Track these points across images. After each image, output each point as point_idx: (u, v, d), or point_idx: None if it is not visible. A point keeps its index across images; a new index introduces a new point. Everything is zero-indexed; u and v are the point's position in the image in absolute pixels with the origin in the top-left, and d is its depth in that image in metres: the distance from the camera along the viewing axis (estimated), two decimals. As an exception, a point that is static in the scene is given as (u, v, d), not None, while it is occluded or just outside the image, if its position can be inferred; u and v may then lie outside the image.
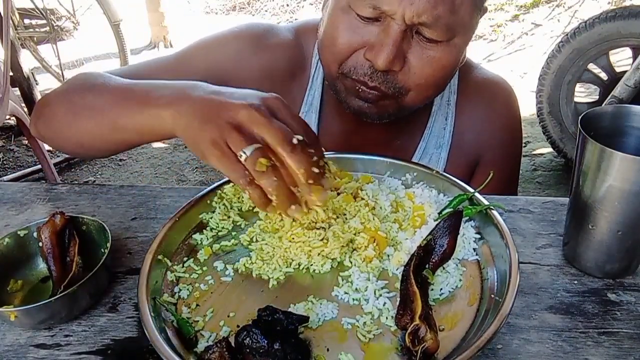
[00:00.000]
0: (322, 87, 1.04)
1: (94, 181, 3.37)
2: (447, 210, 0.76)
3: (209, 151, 0.63)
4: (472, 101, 1.05)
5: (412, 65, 0.83)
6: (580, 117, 0.67)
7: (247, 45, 1.02)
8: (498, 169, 0.86)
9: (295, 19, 6.40)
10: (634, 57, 2.84)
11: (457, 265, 0.69)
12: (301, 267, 0.70)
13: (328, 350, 0.58)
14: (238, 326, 0.60)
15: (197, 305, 0.65)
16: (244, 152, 0.61)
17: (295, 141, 0.62)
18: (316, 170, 0.63)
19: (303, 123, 0.67)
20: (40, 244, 0.71)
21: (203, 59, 1.02)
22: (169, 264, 0.70)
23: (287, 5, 6.92)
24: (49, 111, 0.88)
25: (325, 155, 0.67)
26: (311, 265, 0.70)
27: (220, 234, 0.77)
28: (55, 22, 4.13)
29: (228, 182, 0.83)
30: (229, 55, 1.02)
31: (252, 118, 0.63)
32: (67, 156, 3.41)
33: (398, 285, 0.65)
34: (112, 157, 3.53)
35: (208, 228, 0.77)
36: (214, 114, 0.65)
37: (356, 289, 0.66)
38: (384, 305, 0.64)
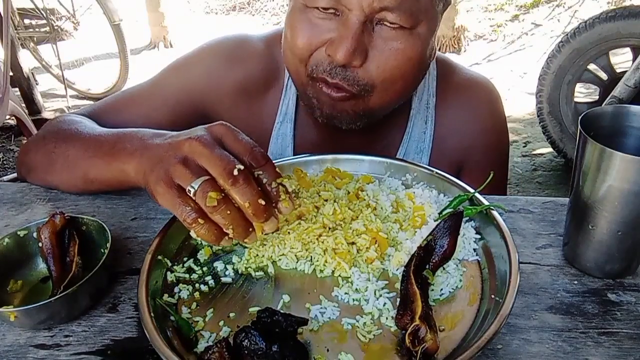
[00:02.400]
0: (297, 96, 1.02)
1: (94, 181, 3.36)
2: (448, 210, 0.76)
3: (155, 189, 0.63)
4: (452, 104, 1.03)
5: (375, 58, 0.80)
6: (580, 117, 0.67)
7: (219, 61, 1.01)
8: (483, 172, 0.85)
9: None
10: (634, 57, 2.85)
11: (457, 265, 0.69)
12: (298, 262, 0.71)
13: (328, 350, 0.58)
14: (238, 326, 0.59)
15: (197, 305, 0.65)
16: (192, 187, 0.60)
17: (236, 172, 0.60)
18: (262, 202, 0.62)
19: (251, 143, 0.65)
20: (40, 244, 0.70)
21: (176, 81, 1.02)
22: (169, 264, 0.70)
23: (287, 5, 6.92)
24: (29, 159, 0.93)
25: (282, 174, 0.66)
26: (313, 263, 0.70)
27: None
28: (55, 22, 4.14)
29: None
30: (200, 75, 1.01)
31: (193, 149, 0.63)
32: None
33: (398, 285, 0.65)
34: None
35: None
36: (162, 155, 0.65)
37: (356, 289, 0.66)
38: (384, 305, 0.64)
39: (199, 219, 0.61)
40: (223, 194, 0.60)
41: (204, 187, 0.60)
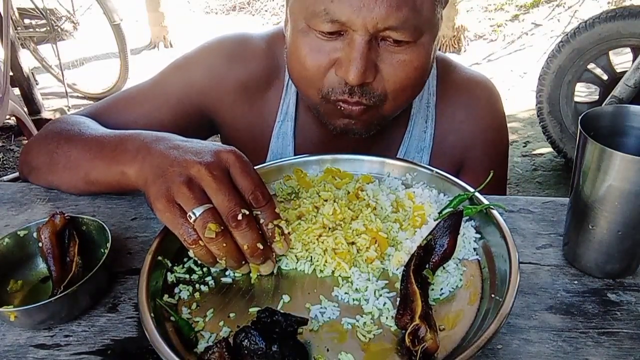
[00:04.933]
0: (297, 95, 1.02)
1: (94, 181, 3.36)
2: (447, 210, 0.76)
3: (155, 204, 0.64)
4: (452, 103, 1.04)
5: (385, 72, 0.81)
6: (580, 117, 0.67)
7: (219, 60, 1.01)
8: (483, 170, 0.86)
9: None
10: (634, 57, 2.85)
11: (457, 265, 0.69)
12: (298, 263, 0.71)
13: (328, 350, 0.58)
14: (238, 326, 0.59)
15: (197, 305, 0.65)
16: (194, 214, 0.62)
17: (240, 217, 0.62)
18: (261, 246, 0.64)
19: (256, 181, 0.66)
20: (40, 244, 0.70)
21: (177, 81, 1.02)
22: (169, 264, 0.70)
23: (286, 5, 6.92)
24: (31, 159, 0.93)
25: (280, 215, 0.68)
26: (313, 264, 0.70)
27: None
28: (55, 22, 4.13)
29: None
30: (202, 74, 1.01)
31: (201, 176, 0.63)
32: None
33: (398, 285, 0.65)
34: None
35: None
36: (166, 168, 0.65)
37: (356, 289, 0.66)
38: (384, 305, 0.64)
39: (200, 241, 0.63)
40: (222, 227, 0.62)
41: (204, 216, 0.62)
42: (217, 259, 0.65)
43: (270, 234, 0.66)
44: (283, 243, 0.67)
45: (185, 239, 0.63)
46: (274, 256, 0.68)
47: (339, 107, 0.84)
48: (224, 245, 0.63)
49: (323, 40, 0.80)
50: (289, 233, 0.69)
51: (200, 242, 0.63)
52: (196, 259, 0.68)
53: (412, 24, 0.77)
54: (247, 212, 0.63)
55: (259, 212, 0.66)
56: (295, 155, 1.02)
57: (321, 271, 0.69)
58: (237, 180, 0.65)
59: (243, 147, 0.72)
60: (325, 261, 0.69)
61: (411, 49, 0.80)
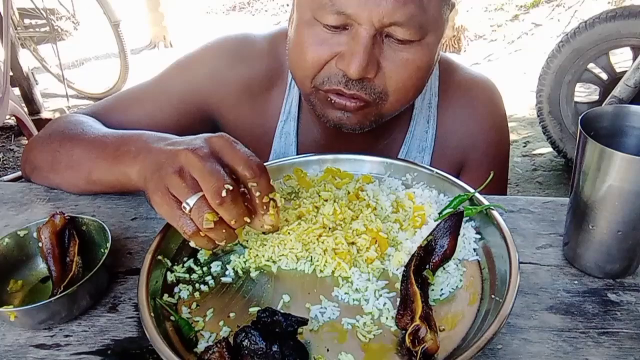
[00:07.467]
0: (300, 95, 1.02)
1: (94, 181, 3.36)
2: (448, 210, 0.76)
3: (152, 198, 0.65)
4: (453, 103, 1.04)
5: (387, 69, 0.80)
6: (580, 117, 0.67)
7: (222, 60, 1.01)
8: (484, 171, 0.85)
9: (295, 19, 6.39)
10: (634, 57, 2.85)
11: (457, 265, 0.69)
12: (298, 263, 0.70)
13: (328, 350, 0.58)
14: (238, 326, 0.59)
15: (197, 305, 0.65)
16: (187, 204, 0.61)
17: (224, 193, 0.61)
18: (248, 220, 0.64)
19: (245, 155, 0.65)
20: (40, 244, 0.70)
21: (179, 81, 1.02)
22: (169, 264, 0.70)
23: (287, 5, 6.93)
24: (33, 157, 0.93)
25: (274, 189, 0.67)
26: (313, 263, 0.70)
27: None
28: (55, 22, 4.13)
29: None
30: (204, 74, 1.01)
31: (189, 160, 0.63)
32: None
33: (398, 285, 0.65)
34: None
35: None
36: (162, 163, 0.66)
37: (356, 289, 0.66)
38: (384, 305, 0.64)
39: (200, 232, 0.63)
40: (219, 216, 0.62)
41: (199, 206, 0.61)
42: (218, 243, 0.65)
43: (264, 207, 0.66)
44: (275, 216, 0.67)
45: (185, 231, 0.63)
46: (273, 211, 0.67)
47: (329, 99, 0.84)
48: (224, 231, 0.63)
49: (327, 34, 0.80)
50: (282, 205, 0.69)
51: (200, 232, 0.63)
52: (198, 248, 0.67)
53: (418, 21, 0.77)
54: (231, 188, 0.62)
55: (254, 184, 0.65)
56: (298, 155, 1.02)
57: (321, 271, 0.69)
58: (229, 158, 0.65)
59: (245, 146, 0.72)
60: (326, 261, 0.69)
61: (415, 48, 0.80)
